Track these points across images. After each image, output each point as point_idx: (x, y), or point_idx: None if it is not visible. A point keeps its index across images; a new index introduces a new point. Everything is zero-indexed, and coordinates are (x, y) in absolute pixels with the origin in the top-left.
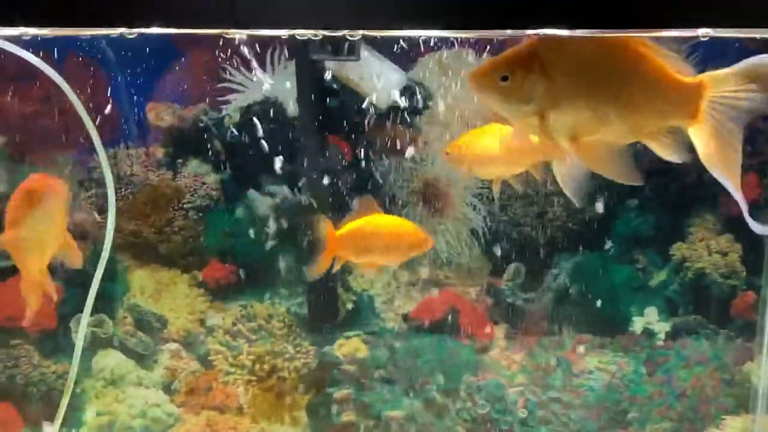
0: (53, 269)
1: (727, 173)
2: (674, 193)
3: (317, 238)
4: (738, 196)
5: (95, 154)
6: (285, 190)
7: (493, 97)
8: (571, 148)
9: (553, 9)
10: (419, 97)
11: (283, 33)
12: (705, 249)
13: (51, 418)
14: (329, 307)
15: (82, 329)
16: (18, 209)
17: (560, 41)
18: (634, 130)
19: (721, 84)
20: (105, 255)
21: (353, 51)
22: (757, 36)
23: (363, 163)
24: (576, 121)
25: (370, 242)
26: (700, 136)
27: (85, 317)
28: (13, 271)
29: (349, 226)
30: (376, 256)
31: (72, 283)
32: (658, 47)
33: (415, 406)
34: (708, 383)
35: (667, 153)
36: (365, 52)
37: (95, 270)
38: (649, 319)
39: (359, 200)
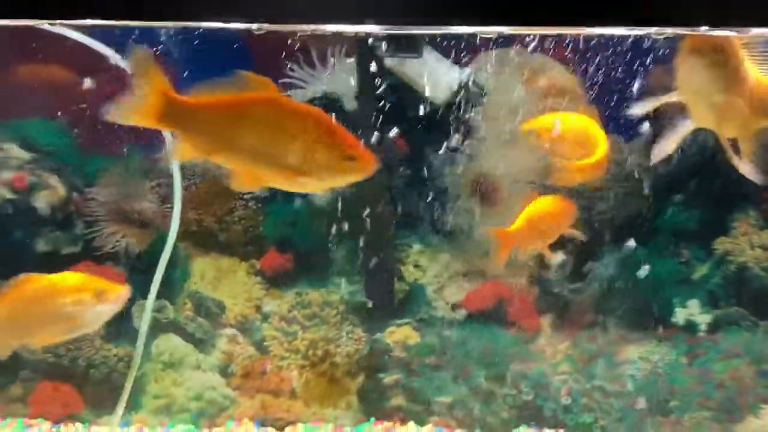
0: (116, 255)
1: None
2: (718, 188)
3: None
4: None
5: (162, 144)
6: None
7: (707, 73)
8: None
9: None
10: (474, 93)
11: (347, 29)
12: (747, 243)
13: (112, 401)
14: (384, 296)
15: (147, 314)
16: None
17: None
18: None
19: None
20: (170, 243)
21: (416, 48)
22: None
23: (418, 157)
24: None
25: (539, 227)
26: None
27: (150, 303)
28: (79, 256)
29: (519, 219)
30: (548, 236)
31: (134, 269)
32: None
33: (463, 392)
34: (746, 374)
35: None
36: (425, 50)
37: (158, 257)
38: (691, 311)
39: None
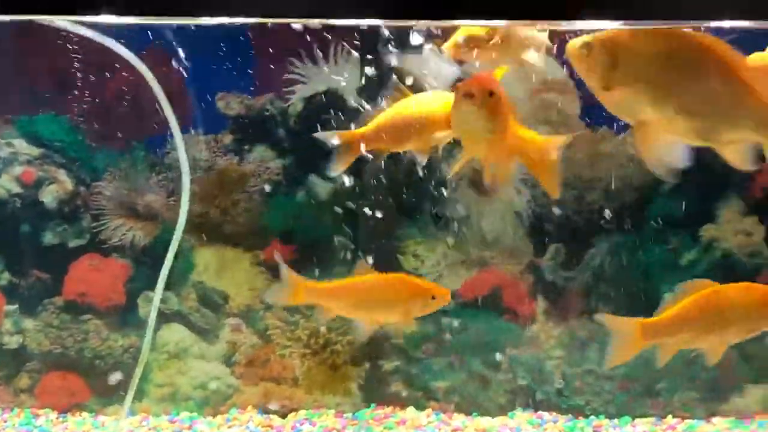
0: (122, 248)
1: None
2: (704, 178)
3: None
4: None
5: (169, 139)
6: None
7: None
8: None
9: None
10: None
11: (350, 23)
12: (731, 230)
13: (118, 391)
14: None
15: (155, 306)
16: None
17: None
18: None
19: None
20: (178, 236)
21: (418, 43)
22: None
23: None
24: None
25: None
26: None
27: (158, 294)
28: (85, 249)
29: None
30: None
31: (139, 261)
32: None
33: (460, 377)
34: (732, 356)
35: None
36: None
37: (162, 249)
38: None
39: None
